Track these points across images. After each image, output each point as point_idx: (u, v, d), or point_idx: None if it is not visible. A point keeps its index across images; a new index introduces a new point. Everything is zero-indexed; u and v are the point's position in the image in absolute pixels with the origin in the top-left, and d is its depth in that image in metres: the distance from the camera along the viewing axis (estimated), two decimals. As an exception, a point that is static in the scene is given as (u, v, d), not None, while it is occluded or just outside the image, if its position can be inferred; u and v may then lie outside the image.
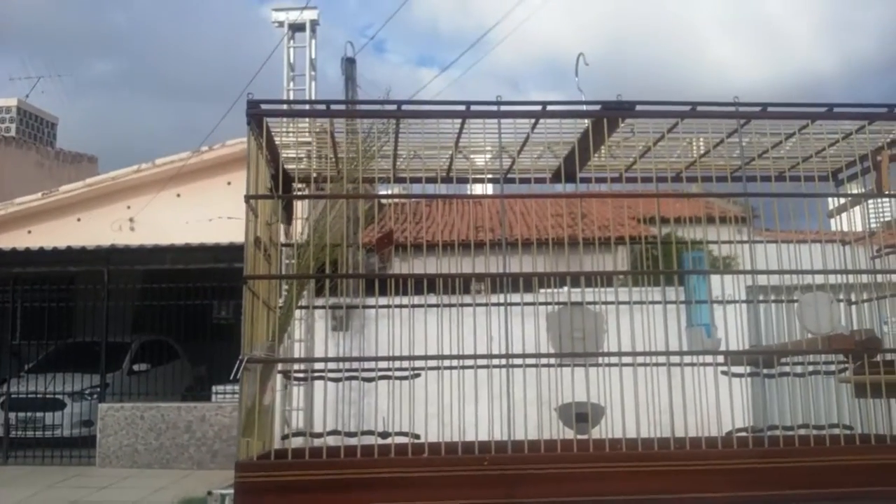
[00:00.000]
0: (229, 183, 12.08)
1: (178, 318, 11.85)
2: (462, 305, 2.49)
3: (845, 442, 2.12)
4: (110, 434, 10.83)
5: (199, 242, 11.03)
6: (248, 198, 1.99)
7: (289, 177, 2.55)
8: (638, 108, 2.17)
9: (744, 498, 1.90)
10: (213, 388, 11.40)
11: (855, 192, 2.56)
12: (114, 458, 10.78)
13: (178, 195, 13.33)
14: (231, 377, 1.86)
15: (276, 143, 2.35)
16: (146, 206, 13.21)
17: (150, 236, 12.10)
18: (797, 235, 2.64)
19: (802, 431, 2.20)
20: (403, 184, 2.75)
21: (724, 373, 2.36)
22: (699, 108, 2.20)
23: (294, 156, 2.49)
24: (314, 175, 2.58)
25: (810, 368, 2.53)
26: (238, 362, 1.87)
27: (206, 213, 11.80)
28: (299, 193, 2.54)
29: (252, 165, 2.03)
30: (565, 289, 2.55)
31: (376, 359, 2.28)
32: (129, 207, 13.59)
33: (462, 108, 2.16)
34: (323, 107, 2.20)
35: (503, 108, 2.13)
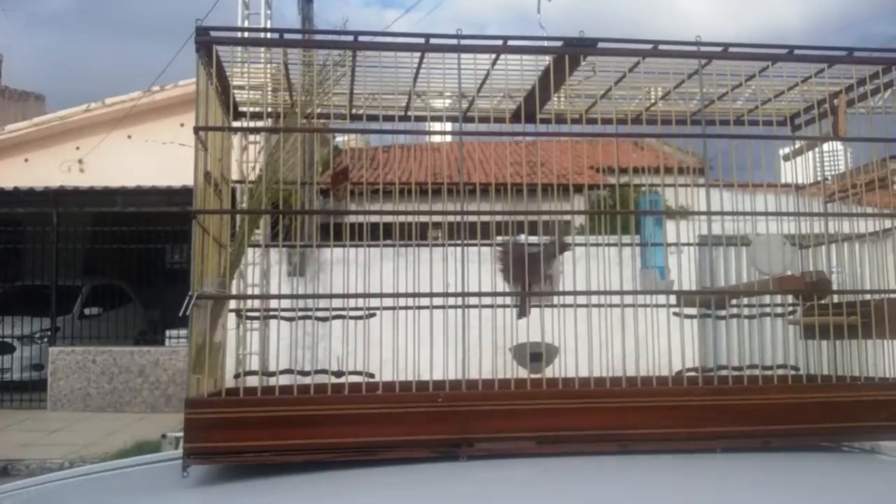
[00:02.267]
0: (182, 124, 11.81)
1: (130, 262, 11.70)
2: (419, 245, 2.46)
3: (791, 381, 2.17)
4: (61, 378, 10.71)
5: (150, 185, 10.82)
6: (197, 129, 1.92)
7: (240, 111, 2.48)
8: (600, 45, 2.13)
9: (692, 434, 1.93)
10: (167, 333, 11.33)
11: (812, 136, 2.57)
12: (65, 401, 10.69)
13: (129, 136, 13.02)
14: (180, 313, 1.82)
15: (228, 74, 2.27)
16: (96, 147, 12.87)
17: (101, 178, 11.83)
18: (752, 183, 2.66)
19: (751, 372, 2.25)
20: (360, 122, 2.69)
21: (675, 314, 2.38)
22: (661, 48, 2.17)
23: (246, 88, 2.41)
24: (267, 109, 2.50)
25: (761, 310, 2.58)
26: (187, 298, 1.83)
27: (158, 156, 11.55)
28: (251, 126, 2.46)
29: (201, 96, 1.95)
30: (522, 236, 2.54)
31: (330, 296, 2.25)
32: (78, 148, 13.24)
33: (421, 41, 2.10)
34: (276, 36, 2.13)
35: (463, 42, 2.08)
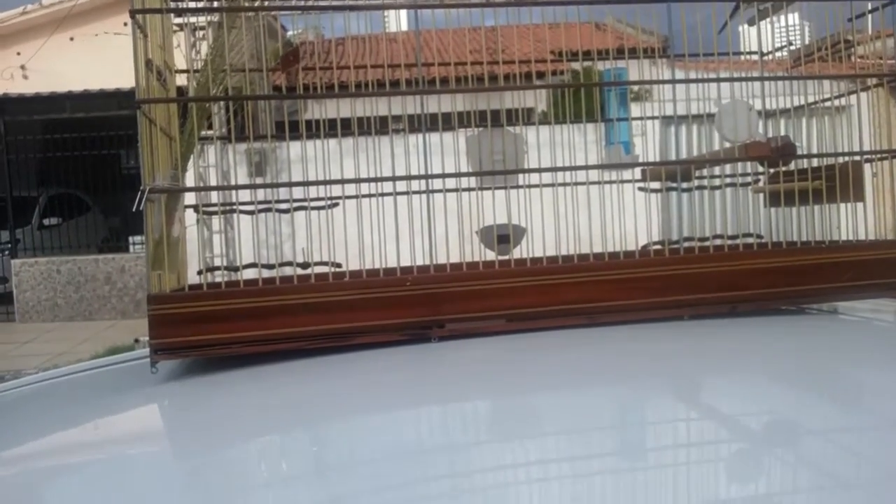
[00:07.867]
0: (126, 23, 11.27)
1: (86, 170, 11.39)
2: (379, 134, 2.38)
3: (756, 248, 2.18)
4: (27, 289, 10.61)
5: (98, 88, 10.43)
6: (133, 12, 1.79)
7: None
8: None
9: (659, 303, 1.94)
10: (131, 239, 11.20)
11: None
12: (34, 312, 10.63)
13: (72, 39, 12.41)
14: (133, 209, 1.74)
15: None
16: (38, 51, 12.28)
17: (46, 84, 11.35)
18: (717, 52, 2.59)
19: (716, 242, 2.25)
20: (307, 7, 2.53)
21: (641, 189, 2.36)
22: None
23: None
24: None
25: (726, 180, 2.57)
26: (139, 193, 1.75)
27: (106, 59, 11.07)
28: (190, 7, 2.32)
29: (135, -26, 1.81)
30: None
31: (290, 184, 2.18)
32: (19, 54, 12.63)
33: None
34: None
35: None
